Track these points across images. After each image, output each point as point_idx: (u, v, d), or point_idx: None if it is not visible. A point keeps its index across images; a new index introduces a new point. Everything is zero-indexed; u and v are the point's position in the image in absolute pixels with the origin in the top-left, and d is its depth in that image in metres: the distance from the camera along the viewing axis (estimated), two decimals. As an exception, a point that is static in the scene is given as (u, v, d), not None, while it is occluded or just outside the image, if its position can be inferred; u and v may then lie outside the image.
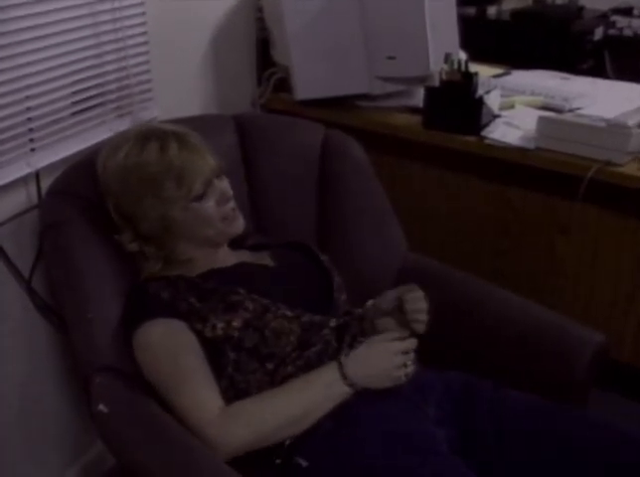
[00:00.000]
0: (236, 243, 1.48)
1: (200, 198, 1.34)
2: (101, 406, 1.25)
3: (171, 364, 1.26)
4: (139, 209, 1.34)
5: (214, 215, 1.36)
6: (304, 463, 1.22)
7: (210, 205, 1.35)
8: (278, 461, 1.24)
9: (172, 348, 1.27)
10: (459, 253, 1.99)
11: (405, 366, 1.28)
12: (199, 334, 1.28)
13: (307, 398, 1.25)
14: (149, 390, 1.29)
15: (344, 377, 1.25)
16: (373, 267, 1.70)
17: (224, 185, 1.38)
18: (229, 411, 1.22)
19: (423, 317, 1.32)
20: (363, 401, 1.26)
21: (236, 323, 1.28)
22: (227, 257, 1.43)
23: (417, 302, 1.33)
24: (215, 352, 1.28)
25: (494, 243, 2.00)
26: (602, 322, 1.81)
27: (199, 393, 1.23)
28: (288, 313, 1.31)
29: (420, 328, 1.32)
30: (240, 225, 1.41)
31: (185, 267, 1.38)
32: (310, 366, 1.29)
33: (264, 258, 1.47)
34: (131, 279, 1.41)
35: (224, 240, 1.42)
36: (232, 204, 1.39)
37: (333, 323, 1.34)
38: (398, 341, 1.29)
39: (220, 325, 1.27)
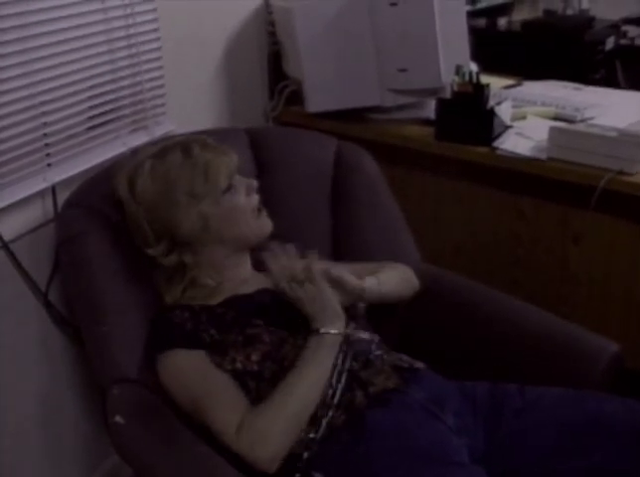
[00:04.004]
0: (259, 265, 1.50)
1: (228, 190, 1.39)
2: (118, 418, 1.26)
3: (198, 386, 1.28)
4: (177, 212, 1.36)
5: (245, 206, 1.41)
6: None
7: (240, 197, 1.40)
8: (297, 475, 1.24)
9: (198, 372, 1.29)
10: (472, 264, 1.99)
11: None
12: (218, 366, 1.29)
13: (309, 373, 1.27)
14: (166, 402, 1.30)
15: (316, 330, 1.30)
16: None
17: (247, 178, 1.44)
18: (250, 426, 1.22)
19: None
20: (379, 413, 1.26)
21: (254, 357, 1.29)
22: (251, 280, 1.45)
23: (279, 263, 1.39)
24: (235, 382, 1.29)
25: (507, 254, 2.00)
26: (617, 331, 1.80)
27: (227, 412, 1.24)
28: (304, 343, 1.31)
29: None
30: (269, 223, 1.45)
31: (208, 294, 1.40)
32: None
33: None
34: (147, 292, 1.43)
35: (256, 240, 1.45)
36: (258, 198, 1.44)
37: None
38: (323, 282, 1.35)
39: (239, 358, 1.29)
